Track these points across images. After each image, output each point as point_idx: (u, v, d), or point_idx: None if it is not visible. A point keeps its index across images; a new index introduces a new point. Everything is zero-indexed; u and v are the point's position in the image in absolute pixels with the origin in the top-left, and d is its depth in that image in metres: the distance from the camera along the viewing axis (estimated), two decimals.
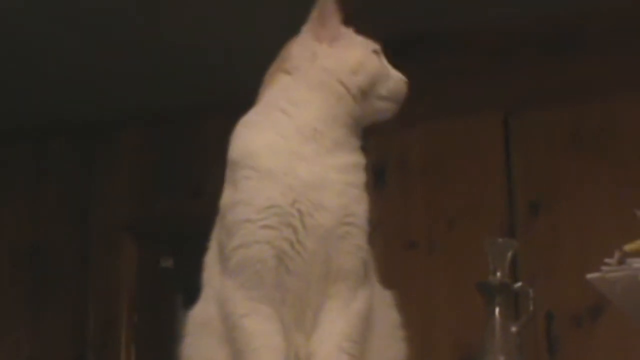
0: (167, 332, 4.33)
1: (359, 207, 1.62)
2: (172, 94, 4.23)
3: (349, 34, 1.73)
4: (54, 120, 4.48)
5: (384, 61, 1.74)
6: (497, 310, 1.85)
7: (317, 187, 1.58)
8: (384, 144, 3.66)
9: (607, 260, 1.67)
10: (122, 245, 4.38)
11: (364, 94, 1.66)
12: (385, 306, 1.69)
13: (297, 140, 1.61)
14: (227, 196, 1.62)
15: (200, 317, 1.66)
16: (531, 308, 1.88)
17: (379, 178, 3.67)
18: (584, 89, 3.58)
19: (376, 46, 1.74)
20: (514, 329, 1.86)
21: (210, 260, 1.67)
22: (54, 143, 4.60)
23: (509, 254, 1.87)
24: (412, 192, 3.76)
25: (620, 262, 1.63)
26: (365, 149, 1.70)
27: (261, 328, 1.56)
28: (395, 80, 1.72)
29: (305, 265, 1.57)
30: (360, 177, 1.65)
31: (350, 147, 1.66)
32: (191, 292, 4.59)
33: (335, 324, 1.58)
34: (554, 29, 3.68)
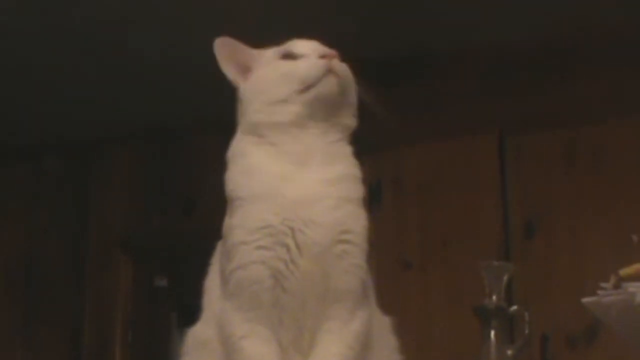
0: (162, 351, 4.32)
1: (356, 223, 1.60)
2: (166, 111, 4.23)
3: (252, 56, 1.72)
4: (48, 138, 4.48)
5: (301, 48, 1.68)
6: (492, 333, 1.85)
7: (306, 203, 1.57)
8: (379, 164, 3.67)
9: (602, 284, 1.67)
10: (117, 263, 4.37)
11: (294, 99, 1.63)
12: (384, 331, 1.68)
13: (282, 161, 1.61)
14: (226, 223, 1.62)
15: (200, 337, 1.65)
16: (527, 331, 1.88)
17: (374, 197, 3.66)
18: (579, 110, 3.59)
19: (285, 48, 1.69)
20: (509, 352, 1.86)
21: (211, 283, 1.67)
22: (48, 161, 4.59)
23: (505, 278, 1.87)
24: (407, 212, 3.76)
25: (616, 286, 1.63)
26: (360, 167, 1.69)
27: (259, 350, 1.55)
28: (305, 68, 1.64)
29: (300, 284, 1.56)
30: (355, 191, 1.63)
31: (341, 155, 1.65)
32: (185, 310, 4.60)
33: (333, 345, 1.57)
34: (549, 51, 3.69)
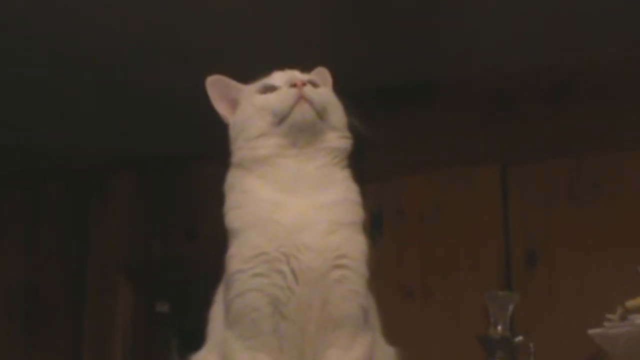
0: None
1: (353, 248, 1.60)
2: (167, 138, 4.24)
3: (241, 92, 1.74)
4: (49, 164, 4.48)
5: (277, 80, 1.70)
6: None
7: (298, 229, 1.58)
8: (381, 193, 3.67)
9: (608, 316, 1.67)
10: (117, 289, 4.36)
11: (272, 131, 1.64)
12: None
13: (273, 190, 1.62)
14: (227, 254, 1.63)
15: None
16: None
17: (375, 226, 3.66)
18: (582, 141, 3.59)
19: (264, 82, 1.71)
20: None
21: (215, 313, 1.68)
22: (49, 187, 4.59)
23: (510, 308, 1.86)
24: (408, 241, 3.75)
25: (623, 318, 1.62)
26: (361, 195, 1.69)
27: None
28: (275, 101, 1.66)
29: (299, 311, 1.56)
30: (352, 215, 1.63)
31: (333, 180, 1.65)
32: (186, 337, 4.58)
33: None
34: (552, 81, 3.70)
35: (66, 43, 3.51)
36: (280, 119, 1.63)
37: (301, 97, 1.63)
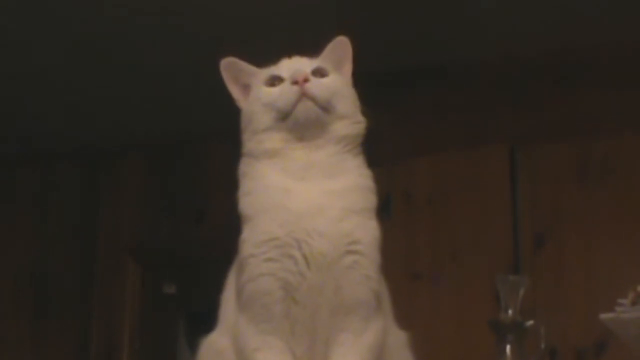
0: (168, 359, 4.32)
1: (365, 234, 1.60)
2: (176, 120, 4.24)
3: (253, 76, 1.72)
4: (58, 146, 4.49)
5: (283, 71, 1.69)
6: (508, 348, 1.84)
7: (309, 214, 1.57)
8: (389, 176, 3.66)
9: (620, 300, 1.66)
10: (126, 270, 4.38)
11: (277, 126, 1.63)
12: (399, 346, 1.67)
13: (284, 177, 1.61)
14: (240, 239, 1.63)
15: (215, 346, 1.66)
16: (542, 346, 1.87)
17: (383, 210, 3.65)
18: (591, 123, 3.59)
19: (271, 71, 1.70)
20: None
21: (227, 295, 1.68)
22: (58, 169, 4.60)
23: (521, 292, 1.86)
24: (416, 224, 3.75)
25: (634, 302, 1.62)
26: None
27: None
28: (278, 99, 1.64)
29: (311, 295, 1.56)
30: (364, 202, 1.62)
31: (345, 167, 1.64)
32: (193, 318, 4.59)
33: (345, 358, 1.56)
34: (561, 63, 3.69)
35: (76, 27, 3.51)
36: (283, 116, 1.63)
37: (304, 94, 1.62)
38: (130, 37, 3.61)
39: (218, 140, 3.81)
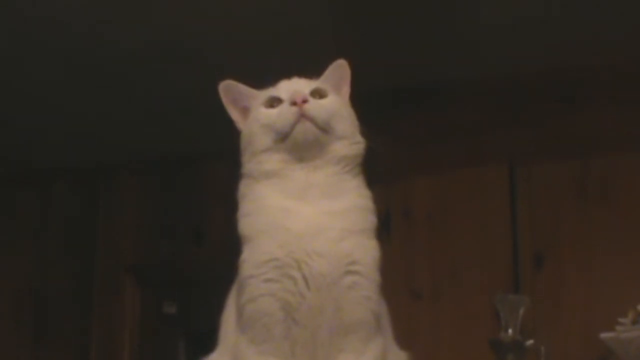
0: None
1: (365, 255, 1.60)
2: (175, 139, 4.24)
3: (252, 98, 1.73)
4: (57, 165, 4.49)
5: (282, 92, 1.69)
6: None
7: (309, 235, 1.58)
8: (388, 194, 3.66)
9: (620, 319, 1.66)
10: (125, 290, 4.37)
11: (276, 148, 1.64)
12: None
13: (283, 197, 1.62)
14: (240, 259, 1.63)
15: None
16: None
17: (382, 227, 3.64)
18: (590, 141, 3.59)
19: (270, 93, 1.70)
20: None
21: (227, 317, 1.68)
22: (57, 188, 4.60)
23: (521, 311, 1.86)
24: (416, 242, 3.75)
25: (635, 322, 1.62)
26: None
27: None
28: (276, 121, 1.65)
29: (310, 316, 1.56)
30: (364, 222, 1.62)
31: (344, 187, 1.64)
32: (193, 338, 4.56)
33: None
34: (560, 82, 3.70)
35: (75, 45, 3.52)
36: (282, 137, 1.63)
37: (302, 116, 1.62)
38: (129, 58, 3.62)
39: (217, 160, 3.82)
